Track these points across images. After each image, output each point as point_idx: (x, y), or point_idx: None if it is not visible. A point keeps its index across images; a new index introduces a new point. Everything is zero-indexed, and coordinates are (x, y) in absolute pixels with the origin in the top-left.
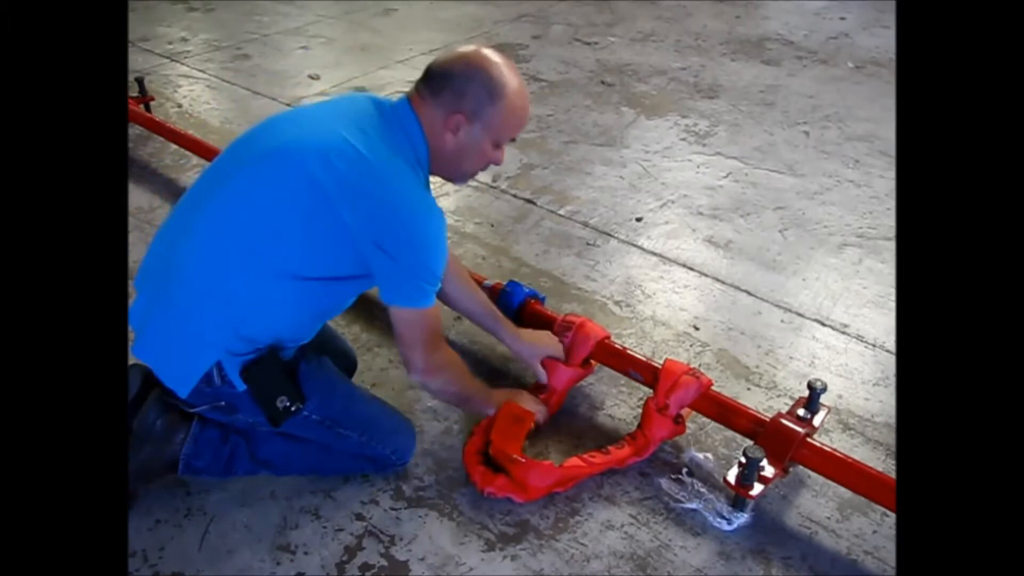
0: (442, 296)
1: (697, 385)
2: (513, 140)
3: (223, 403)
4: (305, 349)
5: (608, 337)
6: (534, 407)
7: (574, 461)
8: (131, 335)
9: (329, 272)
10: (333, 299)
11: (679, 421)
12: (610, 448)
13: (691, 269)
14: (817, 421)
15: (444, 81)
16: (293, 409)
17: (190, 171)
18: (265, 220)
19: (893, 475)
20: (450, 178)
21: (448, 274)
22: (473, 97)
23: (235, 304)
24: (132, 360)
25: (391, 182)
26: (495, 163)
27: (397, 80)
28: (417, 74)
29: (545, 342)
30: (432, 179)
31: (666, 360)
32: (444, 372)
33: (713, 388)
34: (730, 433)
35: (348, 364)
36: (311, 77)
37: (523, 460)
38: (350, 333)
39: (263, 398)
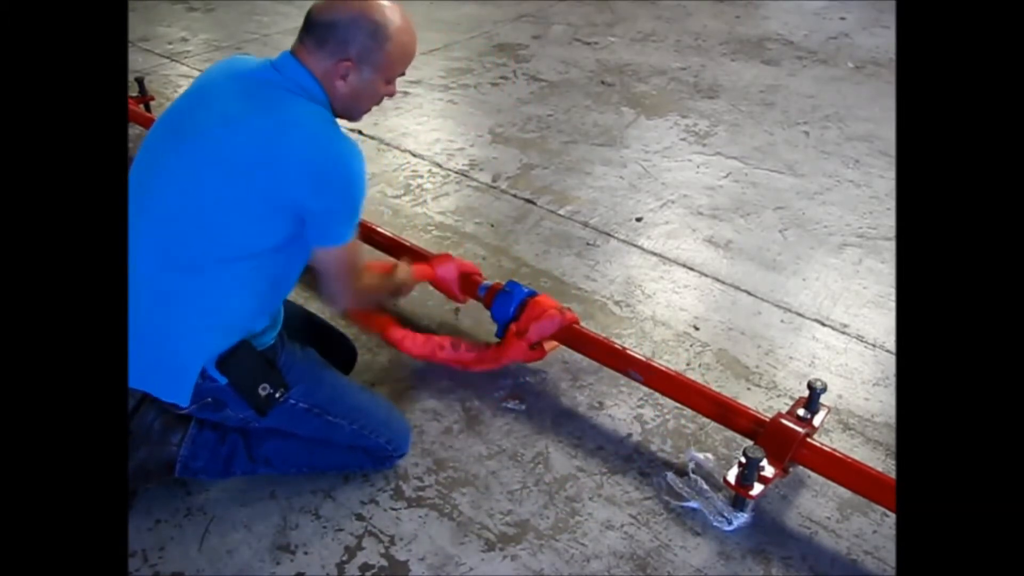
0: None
1: (560, 319)
2: (403, 74)
3: (210, 400)
4: (285, 339)
5: (478, 273)
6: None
7: (433, 344)
8: None
9: (273, 239)
10: (283, 266)
11: (536, 348)
12: (462, 344)
13: (691, 269)
14: (817, 421)
15: (328, 31)
16: (277, 396)
17: None
18: (198, 211)
19: (893, 475)
20: (348, 117)
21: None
22: (359, 43)
23: (196, 304)
24: None
25: (309, 131)
26: (389, 95)
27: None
28: (417, 74)
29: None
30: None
31: (542, 295)
32: (366, 295)
33: (580, 325)
34: (730, 433)
35: (347, 354)
36: None
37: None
38: (350, 333)
39: (244, 387)
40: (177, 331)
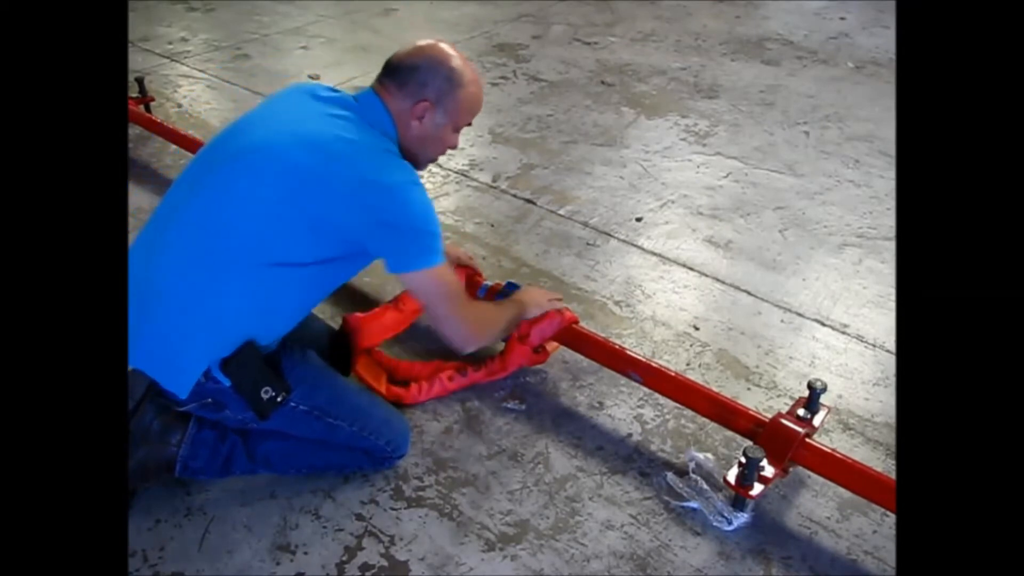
0: None
1: (560, 319)
2: (469, 124)
3: (210, 400)
4: (286, 343)
5: (479, 274)
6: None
7: (441, 382)
8: None
9: (316, 256)
10: (321, 282)
11: (539, 351)
12: (468, 367)
13: (691, 269)
14: (817, 421)
15: (409, 73)
16: (279, 399)
17: None
18: (250, 214)
19: (893, 475)
20: (414, 164)
21: None
22: (436, 87)
23: (224, 303)
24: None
25: (376, 158)
26: (452, 147)
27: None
28: None
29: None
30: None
31: (534, 288)
32: (484, 325)
33: (579, 325)
34: (730, 433)
35: (345, 356)
36: (311, 77)
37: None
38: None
39: (246, 390)
40: (197, 327)
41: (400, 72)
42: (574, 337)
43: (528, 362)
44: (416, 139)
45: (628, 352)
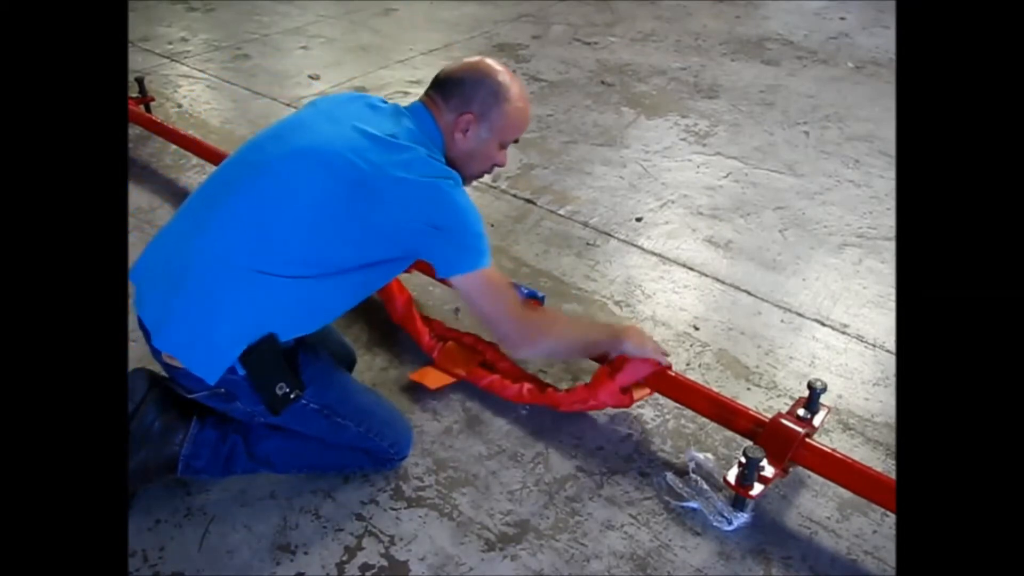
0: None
1: (655, 364)
2: (516, 141)
3: (222, 390)
4: (302, 338)
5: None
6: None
7: (523, 385)
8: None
9: (362, 260)
10: (360, 287)
11: (626, 392)
12: (550, 389)
13: (691, 269)
14: (817, 421)
15: (455, 87)
16: (292, 396)
17: (190, 171)
18: (299, 219)
19: (893, 475)
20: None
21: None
22: (482, 100)
23: (261, 302)
24: (140, 357)
25: (425, 164)
26: (499, 164)
27: (397, 80)
28: (417, 74)
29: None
30: None
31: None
32: (544, 331)
33: (675, 372)
34: (730, 433)
35: (347, 359)
36: (311, 77)
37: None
38: (350, 333)
39: (262, 384)
40: (235, 317)
41: (446, 85)
42: (670, 384)
43: (614, 402)
44: (462, 153)
45: (738, 404)
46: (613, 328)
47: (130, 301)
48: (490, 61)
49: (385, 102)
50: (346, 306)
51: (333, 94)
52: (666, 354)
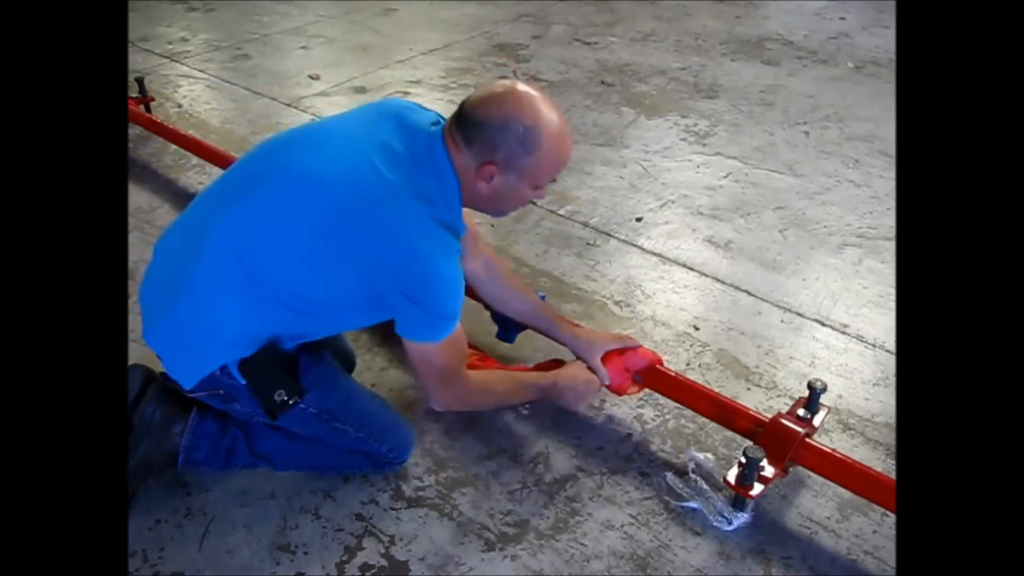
0: (491, 299)
1: (654, 358)
2: (553, 181)
3: (221, 392)
4: (306, 343)
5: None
6: (589, 377)
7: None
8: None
9: (343, 300)
10: (339, 322)
11: (637, 380)
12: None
13: (691, 269)
14: (817, 421)
15: (477, 130)
16: (291, 402)
17: (190, 171)
18: (284, 244)
19: (893, 475)
20: (489, 214)
21: (495, 278)
22: (506, 149)
23: (258, 314)
24: (141, 357)
25: (412, 225)
26: (536, 199)
27: (397, 80)
28: (417, 74)
29: (604, 336)
30: None
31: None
32: (467, 401)
33: (695, 380)
34: (730, 433)
35: (347, 362)
36: (311, 77)
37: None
38: (350, 333)
39: (261, 391)
40: (224, 326)
41: (468, 125)
42: (670, 384)
43: (618, 382)
44: (485, 198)
45: (737, 404)
46: (545, 389)
47: (134, 300)
48: (520, 94)
49: (416, 124)
50: (344, 328)
51: (376, 101)
52: (595, 383)
